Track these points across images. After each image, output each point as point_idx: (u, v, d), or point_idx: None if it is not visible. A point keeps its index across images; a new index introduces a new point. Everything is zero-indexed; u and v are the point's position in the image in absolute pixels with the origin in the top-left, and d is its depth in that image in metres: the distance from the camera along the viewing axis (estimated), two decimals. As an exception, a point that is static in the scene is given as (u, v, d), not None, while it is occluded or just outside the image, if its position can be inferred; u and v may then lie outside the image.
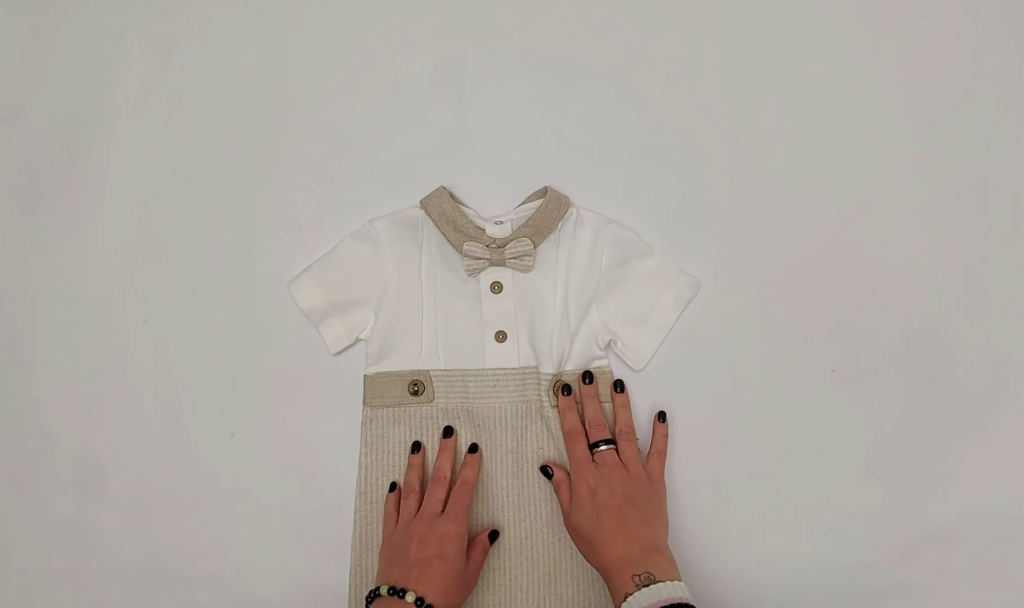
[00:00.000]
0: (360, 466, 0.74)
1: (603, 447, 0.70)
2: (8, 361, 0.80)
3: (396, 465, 0.74)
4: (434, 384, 0.75)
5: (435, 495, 0.70)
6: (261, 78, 0.83)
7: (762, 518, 0.74)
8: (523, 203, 0.79)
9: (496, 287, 0.76)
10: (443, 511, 0.69)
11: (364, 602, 0.65)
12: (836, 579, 0.72)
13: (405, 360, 0.75)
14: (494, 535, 0.71)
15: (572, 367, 0.75)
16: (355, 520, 0.73)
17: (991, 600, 0.72)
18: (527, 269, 0.76)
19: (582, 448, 0.70)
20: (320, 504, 0.75)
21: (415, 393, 0.75)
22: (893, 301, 0.77)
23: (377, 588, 0.64)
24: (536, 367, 0.75)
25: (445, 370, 0.75)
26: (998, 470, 0.74)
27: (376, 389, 0.75)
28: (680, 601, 0.58)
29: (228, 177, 0.82)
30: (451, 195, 0.78)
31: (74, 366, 0.79)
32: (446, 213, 0.76)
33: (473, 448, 0.73)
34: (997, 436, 0.75)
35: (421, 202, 0.78)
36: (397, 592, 0.63)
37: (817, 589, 0.72)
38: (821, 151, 0.80)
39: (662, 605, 0.58)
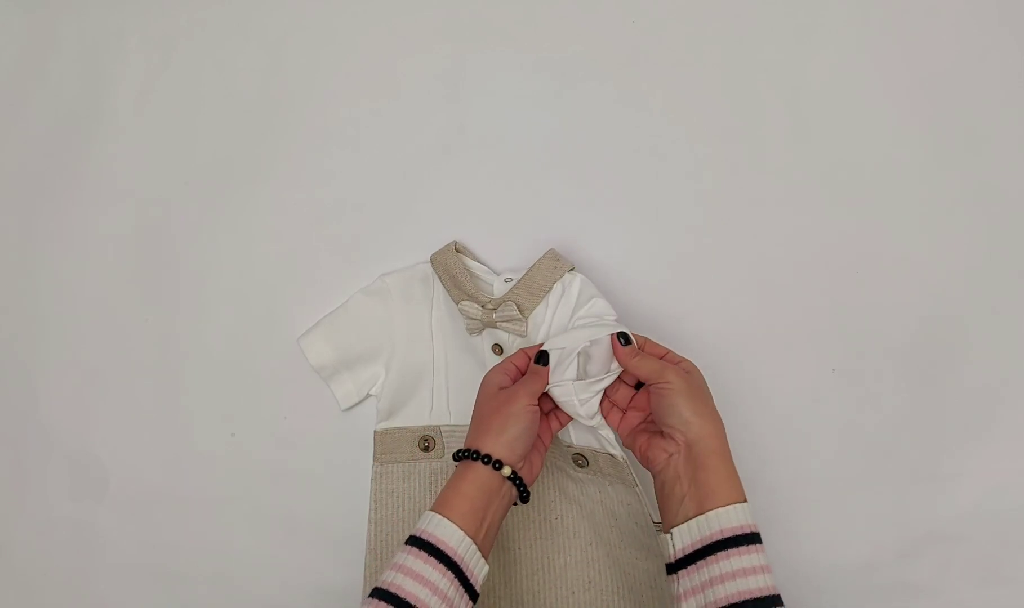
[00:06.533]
0: (370, 522, 0.72)
1: None
2: (8, 361, 0.80)
3: (406, 521, 0.72)
4: (444, 440, 0.74)
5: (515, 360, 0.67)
6: (261, 78, 0.83)
7: (762, 518, 0.74)
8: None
9: (496, 350, 0.73)
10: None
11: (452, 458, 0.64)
12: (836, 579, 0.72)
13: (415, 416, 0.74)
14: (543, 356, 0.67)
15: (580, 437, 0.70)
16: (365, 578, 0.71)
17: (993, 600, 0.72)
18: (521, 334, 0.71)
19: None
20: (319, 504, 0.75)
21: (425, 449, 0.74)
22: (893, 300, 0.77)
23: (467, 450, 0.62)
24: None
25: (455, 426, 0.74)
26: (999, 469, 0.74)
27: (386, 445, 0.74)
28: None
29: (228, 177, 0.82)
30: (458, 249, 0.76)
31: (74, 366, 0.79)
32: (449, 268, 0.74)
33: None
34: (998, 435, 0.75)
35: (431, 257, 0.76)
36: (479, 456, 0.61)
37: (817, 589, 0.72)
38: (821, 151, 0.80)
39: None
